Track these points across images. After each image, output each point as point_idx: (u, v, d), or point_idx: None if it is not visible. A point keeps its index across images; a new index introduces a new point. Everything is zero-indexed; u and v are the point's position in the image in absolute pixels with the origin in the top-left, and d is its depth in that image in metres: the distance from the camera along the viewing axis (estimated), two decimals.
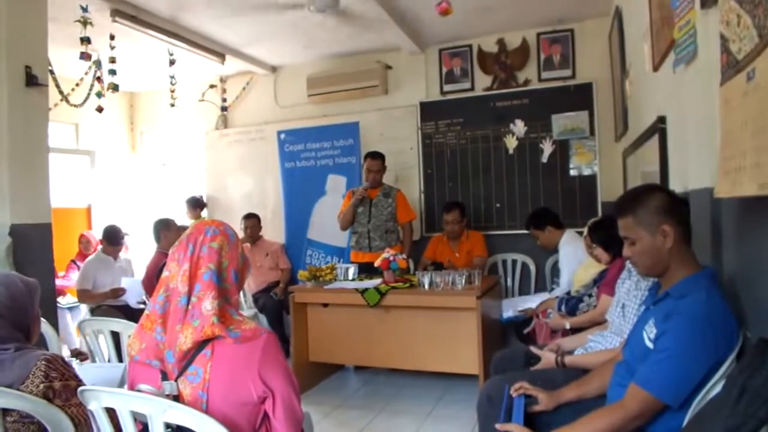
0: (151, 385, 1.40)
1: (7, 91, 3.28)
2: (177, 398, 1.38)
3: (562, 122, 4.94)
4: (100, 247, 4.86)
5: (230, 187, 6.26)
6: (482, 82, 5.31)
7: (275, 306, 4.97)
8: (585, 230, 3.22)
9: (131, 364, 1.50)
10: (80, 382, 1.59)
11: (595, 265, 3.28)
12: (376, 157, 4.53)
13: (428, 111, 5.42)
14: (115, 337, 2.55)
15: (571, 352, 2.42)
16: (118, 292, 4.46)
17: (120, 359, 2.54)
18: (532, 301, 3.95)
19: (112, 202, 6.44)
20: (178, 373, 1.40)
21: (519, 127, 5.10)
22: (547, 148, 5.00)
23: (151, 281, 3.87)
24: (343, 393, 4.06)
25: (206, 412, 1.34)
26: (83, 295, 4.53)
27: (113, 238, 4.72)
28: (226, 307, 1.46)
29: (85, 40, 3.98)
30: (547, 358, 2.37)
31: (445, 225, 4.62)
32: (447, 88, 5.42)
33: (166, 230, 4.18)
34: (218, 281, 1.45)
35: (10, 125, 3.28)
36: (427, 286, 3.59)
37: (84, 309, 4.80)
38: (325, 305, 3.98)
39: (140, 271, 5.05)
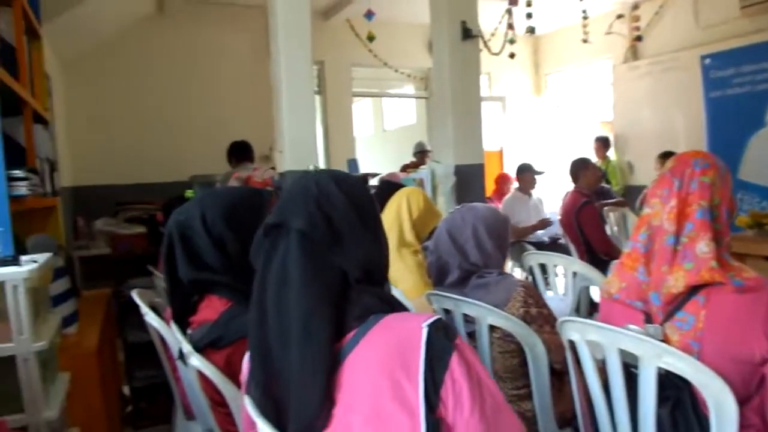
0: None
1: (449, 45, 3.70)
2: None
3: None
4: (514, 186, 5.18)
5: (639, 123, 5.83)
6: None
7: None
8: None
9: (606, 302, 1.48)
10: (551, 313, 1.67)
11: None
12: None
13: None
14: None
15: None
16: (546, 222, 4.65)
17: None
18: None
19: (521, 144, 6.80)
20: (664, 317, 1.32)
21: None
22: None
23: (569, 219, 3.91)
24: None
25: None
26: None
27: (526, 169, 4.97)
28: (720, 250, 1.29)
29: None
30: None
31: None
32: None
33: (584, 170, 4.13)
34: (711, 221, 1.29)
35: (452, 77, 3.71)
36: None
37: None
38: None
39: (549, 209, 5.20)
